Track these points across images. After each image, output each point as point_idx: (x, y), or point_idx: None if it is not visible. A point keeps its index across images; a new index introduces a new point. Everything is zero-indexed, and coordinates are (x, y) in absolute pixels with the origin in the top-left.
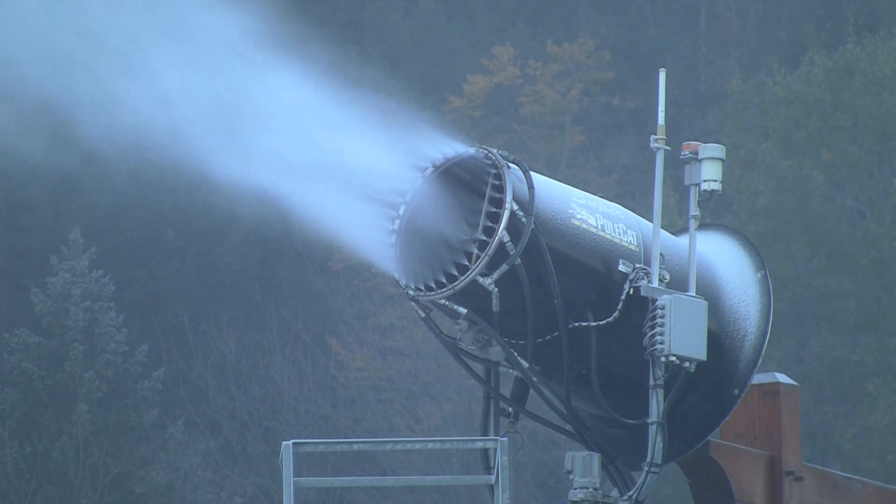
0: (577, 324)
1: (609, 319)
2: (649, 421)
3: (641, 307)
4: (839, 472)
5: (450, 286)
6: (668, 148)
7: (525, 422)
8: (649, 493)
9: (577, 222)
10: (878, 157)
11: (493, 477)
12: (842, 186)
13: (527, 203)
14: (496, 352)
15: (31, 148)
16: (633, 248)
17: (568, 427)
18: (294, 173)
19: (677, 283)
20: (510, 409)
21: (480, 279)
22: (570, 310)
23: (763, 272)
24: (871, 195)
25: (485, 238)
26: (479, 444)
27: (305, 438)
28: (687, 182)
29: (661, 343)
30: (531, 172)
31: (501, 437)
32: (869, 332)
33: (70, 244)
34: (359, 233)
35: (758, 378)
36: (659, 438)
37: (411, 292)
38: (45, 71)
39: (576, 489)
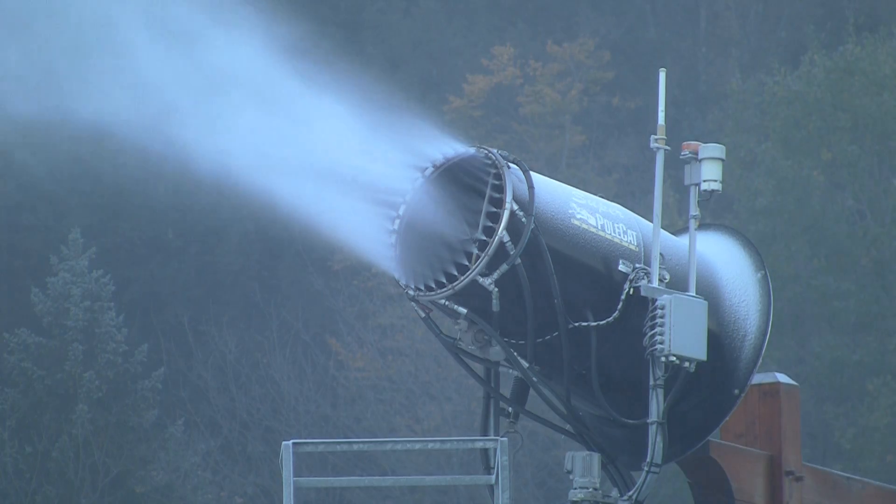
0: (577, 324)
1: (609, 319)
2: (649, 421)
3: (641, 307)
4: (839, 472)
5: (450, 286)
6: (668, 148)
7: (525, 422)
8: (649, 493)
9: (577, 222)
10: (878, 157)
11: (493, 477)
12: (842, 186)
13: (527, 203)
14: (496, 352)
15: (31, 148)
16: (633, 248)
17: (568, 427)
18: (294, 173)
19: (677, 283)
20: (510, 409)
21: (480, 279)
22: (570, 310)
23: (763, 272)
24: (871, 195)
25: (485, 238)
26: (479, 444)
27: (305, 438)
28: (687, 182)
29: (661, 343)
30: (531, 172)
31: (501, 437)
32: (869, 332)
33: (70, 244)
34: (359, 233)
35: (758, 378)
36: (659, 438)
37: (411, 292)
38: (41, 75)
39: (576, 489)
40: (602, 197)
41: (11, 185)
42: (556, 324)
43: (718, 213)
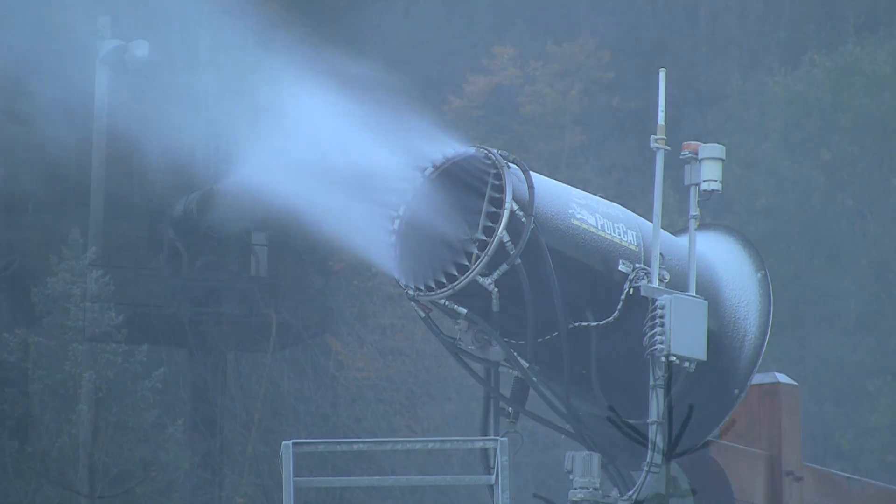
0: (577, 324)
1: (609, 319)
2: (649, 421)
3: (641, 307)
4: (839, 472)
5: (450, 286)
6: (668, 148)
7: (525, 422)
8: (649, 493)
9: (577, 222)
10: (878, 157)
11: (493, 477)
12: (842, 186)
13: (527, 203)
14: (496, 352)
15: (32, 147)
16: (633, 248)
17: (568, 427)
18: (295, 173)
19: (677, 283)
20: (510, 409)
21: (480, 279)
22: (570, 310)
23: (763, 272)
24: (871, 195)
25: (485, 238)
26: (479, 444)
27: (305, 438)
28: (687, 182)
29: (661, 343)
30: (531, 172)
31: (501, 437)
32: (869, 332)
33: (70, 244)
34: (359, 233)
35: (758, 378)
36: (659, 438)
37: (411, 292)
38: (51, 73)
39: (576, 489)
40: (602, 197)
41: (11, 185)
42: (556, 324)
43: (718, 213)
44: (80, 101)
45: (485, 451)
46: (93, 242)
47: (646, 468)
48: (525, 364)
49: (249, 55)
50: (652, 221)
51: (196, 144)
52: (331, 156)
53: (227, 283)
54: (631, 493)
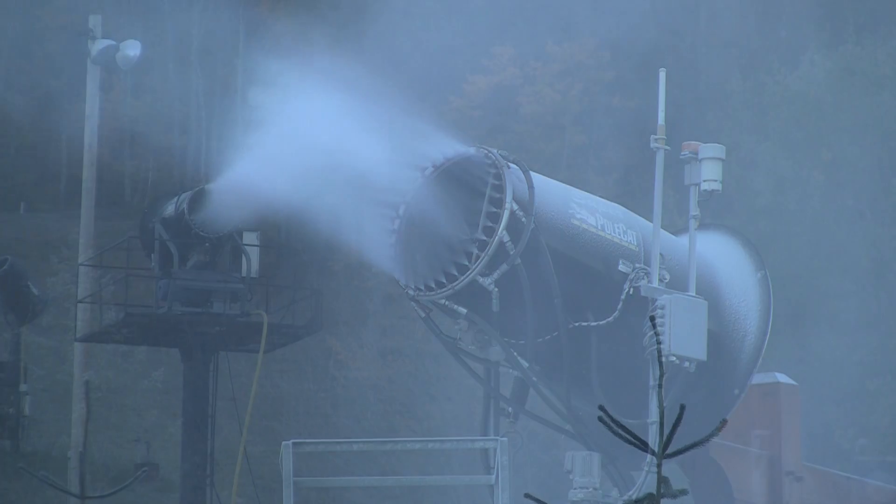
0: (577, 324)
1: (609, 319)
2: (649, 421)
3: (641, 307)
4: (839, 472)
5: (450, 286)
6: (668, 148)
7: (525, 422)
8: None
9: (576, 222)
10: (878, 157)
11: (493, 477)
12: (842, 186)
13: (527, 203)
14: (496, 352)
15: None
16: (633, 247)
17: (568, 427)
18: (295, 174)
19: (677, 283)
20: (510, 409)
21: (480, 279)
22: (570, 310)
23: (763, 272)
24: (871, 195)
25: (485, 238)
26: (479, 444)
27: (305, 438)
28: (687, 182)
29: (661, 343)
30: (531, 172)
31: (501, 437)
32: (869, 332)
33: (70, 244)
34: (359, 233)
35: (758, 378)
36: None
37: (411, 292)
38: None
39: (576, 489)
40: (602, 197)
41: (11, 184)
42: (557, 324)
43: (718, 213)
44: (72, 101)
45: (485, 451)
46: (85, 242)
47: (646, 468)
48: (525, 364)
49: (243, 55)
50: (652, 221)
51: (188, 144)
52: (331, 156)
53: (219, 283)
54: (631, 493)
